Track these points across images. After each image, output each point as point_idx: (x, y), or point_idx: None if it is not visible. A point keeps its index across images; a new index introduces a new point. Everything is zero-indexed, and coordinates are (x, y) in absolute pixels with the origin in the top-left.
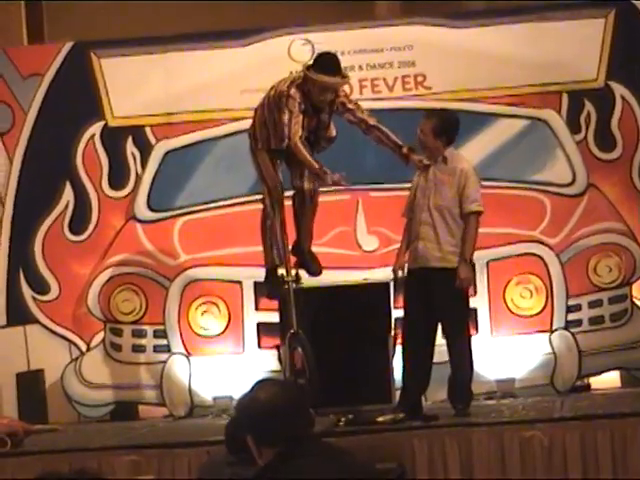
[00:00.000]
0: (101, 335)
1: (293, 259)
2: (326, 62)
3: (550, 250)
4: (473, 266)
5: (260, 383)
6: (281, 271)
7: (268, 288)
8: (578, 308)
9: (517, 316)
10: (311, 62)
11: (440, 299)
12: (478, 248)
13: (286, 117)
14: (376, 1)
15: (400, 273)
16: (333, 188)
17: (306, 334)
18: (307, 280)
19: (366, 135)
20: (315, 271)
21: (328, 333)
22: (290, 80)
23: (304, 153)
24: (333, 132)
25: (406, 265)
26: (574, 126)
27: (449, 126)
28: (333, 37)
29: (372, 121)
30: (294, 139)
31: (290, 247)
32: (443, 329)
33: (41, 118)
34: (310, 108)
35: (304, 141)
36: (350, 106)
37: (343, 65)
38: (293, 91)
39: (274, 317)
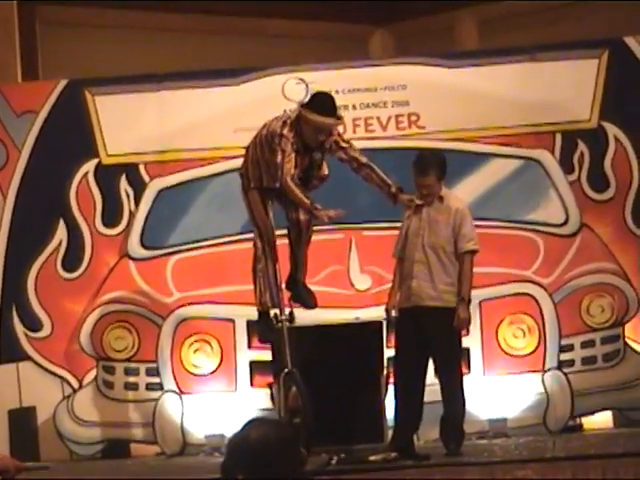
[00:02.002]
0: (93, 372)
1: (287, 294)
2: (322, 102)
3: (543, 290)
4: None
5: (251, 422)
6: (274, 311)
7: (260, 331)
8: (571, 348)
9: (510, 356)
10: (307, 100)
11: (434, 338)
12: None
13: (279, 158)
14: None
15: (393, 313)
16: (326, 227)
17: (299, 373)
18: (300, 319)
19: (356, 173)
20: (310, 304)
21: (320, 372)
22: (283, 119)
23: (295, 191)
24: (325, 171)
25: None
26: (567, 166)
27: (445, 166)
28: (327, 76)
29: (363, 159)
30: (284, 178)
31: (284, 282)
32: (435, 368)
33: (35, 155)
34: (302, 147)
35: (295, 180)
36: (343, 144)
37: (337, 104)
38: (286, 131)
39: (267, 355)
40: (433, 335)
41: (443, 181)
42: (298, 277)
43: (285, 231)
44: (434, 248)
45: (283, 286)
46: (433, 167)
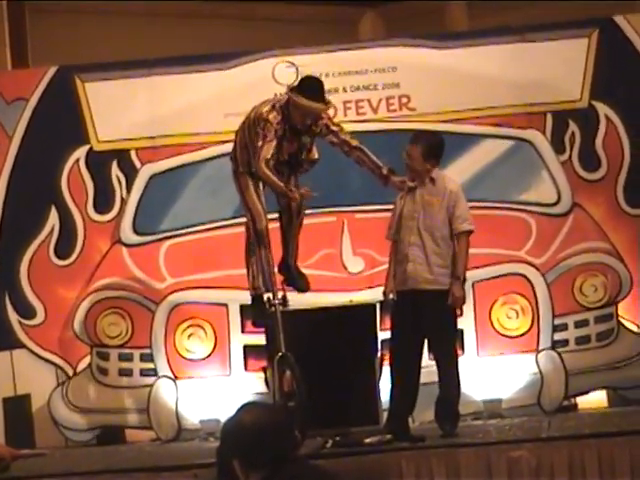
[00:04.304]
0: (88, 359)
1: (280, 278)
2: (310, 86)
3: (536, 270)
4: None
5: (244, 406)
6: (267, 295)
7: (254, 316)
8: (564, 328)
9: (503, 336)
10: (296, 84)
11: (430, 320)
12: None
13: (260, 143)
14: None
15: (391, 296)
16: (318, 210)
17: (293, 356)
18: (293, 302)
19: (348, 157)
20: (303, 288)
21: (314, 355)
22: (271, 103)
23: (268, 175)
24: (315, 155)
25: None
26: (558, 146)
27: (437, 149)
28: (317, 59)
29: (354, 143)
30: (259, 164)
31: (277, 266)
32: (431, 350)
33: (26, 143)
34: (291, 131)
35: (269, 165)
36: (333, 128)
37: (327, 87)
38: (272, 115)
39: (260, 339)
40: (429, 317)
41: (431, 162)
42: (290, 261)
43: (276, 215)
44: (429, 231)
45: (276, 270)
46: (421, 141)
